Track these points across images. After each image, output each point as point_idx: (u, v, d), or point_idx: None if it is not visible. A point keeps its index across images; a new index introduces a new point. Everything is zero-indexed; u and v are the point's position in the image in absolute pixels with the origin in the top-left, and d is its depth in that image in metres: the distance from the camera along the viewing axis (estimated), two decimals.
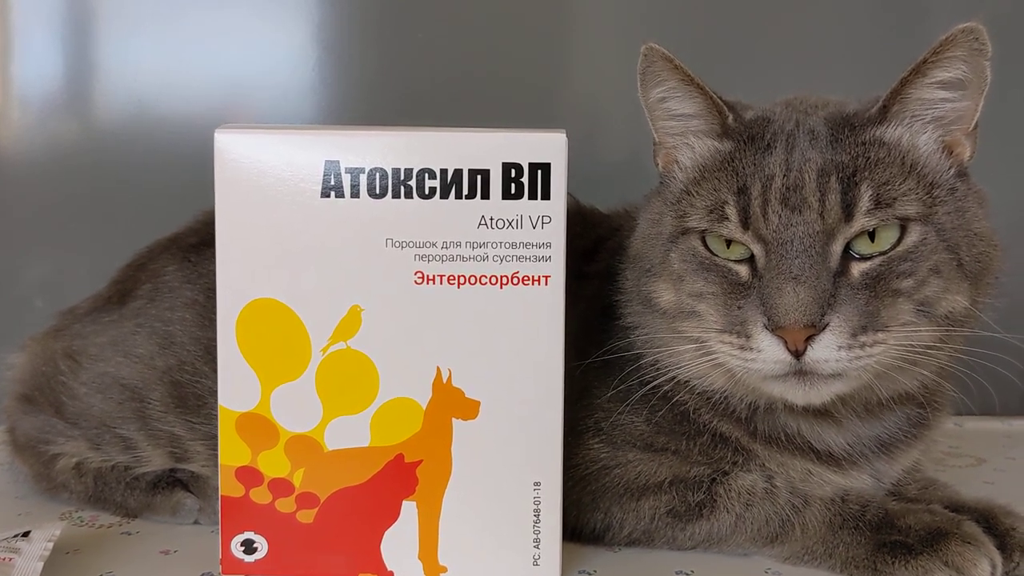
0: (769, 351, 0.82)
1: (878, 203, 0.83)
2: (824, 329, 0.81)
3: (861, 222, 0.83)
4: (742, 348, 0.84)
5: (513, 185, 0.83)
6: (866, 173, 0.84)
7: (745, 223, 0.85)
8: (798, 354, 0.81)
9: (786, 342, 0.81)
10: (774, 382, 0.84)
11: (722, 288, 0.86)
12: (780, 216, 0.83)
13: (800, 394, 0.84)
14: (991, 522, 0.91)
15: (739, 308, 0.84)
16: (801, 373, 0.83)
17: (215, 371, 0.86)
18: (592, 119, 1.47)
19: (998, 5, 1.41)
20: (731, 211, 0.85)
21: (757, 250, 0.85)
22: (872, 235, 0.84)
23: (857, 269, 0.83)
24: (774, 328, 0.81)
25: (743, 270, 0.86)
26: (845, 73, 1.39)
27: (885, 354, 0.83)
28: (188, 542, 0.97)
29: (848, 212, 0.83)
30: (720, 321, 0.86)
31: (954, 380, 0.94)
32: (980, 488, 1.08)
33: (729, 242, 0.86)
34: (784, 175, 0.84)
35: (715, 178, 0.88)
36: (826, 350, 0.81)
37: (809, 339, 0.81)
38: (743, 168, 0.87)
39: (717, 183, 0.88)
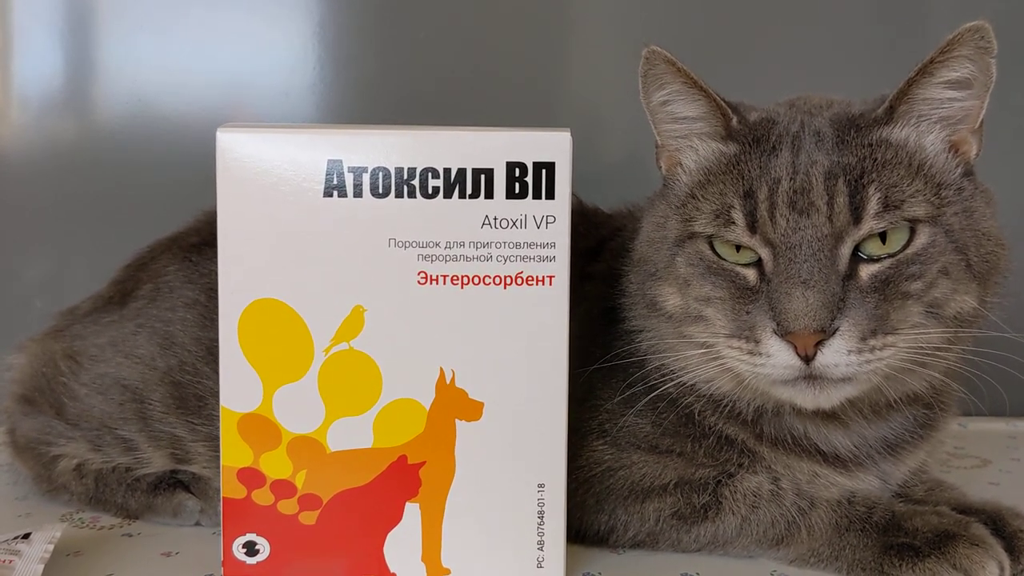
0: (778, 356, 0.82)
1: (886, 205, 0.82)
2: (834, 334, 0.80)
3: (870, 225, 0.82)
4: (751, 353, 0.83)
5: (517, 184, 0.83)
6: (874, 175, 0.83)
7: (752, 227, 0.84)
8: (808, 359, 0.81)
9: (796, 347, 0.81)
10: (783, 387, 0.84)
11: (730, 292, 0.85)
12: (788, 220, 0.83)
13: (810, 398, 0.83)
14: (999, 524, 0.91)
15: (747, 313, 0.84)
16: (811, 377, 0.82)
17: (216, 372, 0.85)
18: (592, 119, 1.47)
19: (999, 4, 1.40)
20: (737, 215, 0.85)
21: (765, 254, 0.84)
22: (883, 237, 0.83)
23: (866, 272, 0.83)
24: (783, 333, 0.81)
25: (751, 274, 0.85)
26: (846, 73, 1.38)
27: (895, 357, 0.82)
28: (189, 544, 0.97)
29: (856, 215, 0.82)
30: (728, 326, 0.85)
31: (964, 381, 0.94)
32: (985, 489, 1.08)
33: (738, 246, 0.86)
34: (791, 178, 0.84)
35: (720, 181, 0.87)
36: (836, 355, 0.80)
37: (819, 344, 0.80)
38: (749, 171, 0.86)
39: (723, 187, 0.87)
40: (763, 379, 0.84)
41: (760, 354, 0.82)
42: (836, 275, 0.81)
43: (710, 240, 0.87)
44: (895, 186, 0.83)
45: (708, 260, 0.87)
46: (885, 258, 0.83)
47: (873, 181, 0.83)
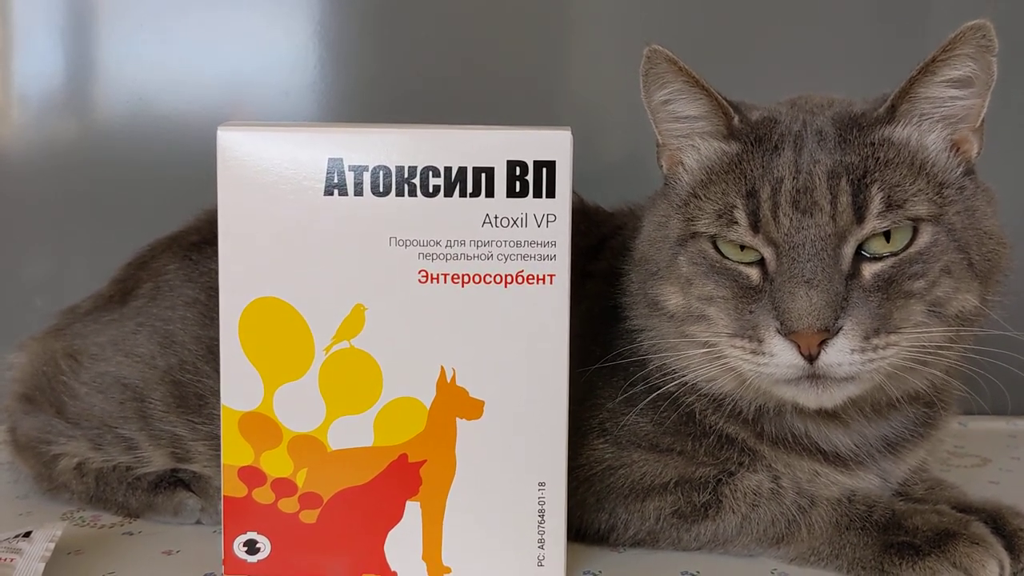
0: (782, 356, 0.82)
1: (889, 205, 0.82)
2: (837, 333, 0.80)
3: (873, 224, 0.82)
4: (754, 352, 0.83)
5: (518, 183, 0.83)
6: (876, 174, 0.83)
7: (755, 227, 0.84)
8: (811, 358, 0.81)
9: (799, 346, 0.81)
10: (786, 386, 0.84)
11: (732, 292, 0.85)
12: (791, 219, 0.83)
13: (813, 398, 0.83)
14: (999, 523, 0.91)
15: (750, 312, 0.84)
16: (814, 377, 0.82)
17: (217, 371, 0.85)
18: (593, 117, 1.47)
19: (999, 2, 1.40)
20: (740, 215, 0.85)
21: (768, 254, 0.84)
22: (887, 235, 0.83)
23: (869, 271, 0.83)
24: (787, 333, 0.81)
25: (754, 273, 0.85)
26: (846, 73, 1.38)
27: (897, 356, 0.82)
28: (190, 542, 0.97)
29: (859, 214, 0.82)
30: (731, 325, 0.85)
31: (965, 379, 0.94)
32: (985, 488, 1.08)
33: (742, 245, 0.86)
34: (794, 177, 0.84)
35: (723, 181, 0.87)
36: (839, 354, 0.80)
37: (822, 343, 0.80)
38: (751, 170, 0.86)
39: (725, 186, 0.87)
40: (766, 379, 0.84)
41: (763, 353, 0.82)
42: (839, 274, 0.81)
43: (713, 239, 0.87)
44: (898, 185, 0.83)
45: (711, 259, 0.87)
46: (888, 256, 0.83)
47: (876, 180, 0.83)
